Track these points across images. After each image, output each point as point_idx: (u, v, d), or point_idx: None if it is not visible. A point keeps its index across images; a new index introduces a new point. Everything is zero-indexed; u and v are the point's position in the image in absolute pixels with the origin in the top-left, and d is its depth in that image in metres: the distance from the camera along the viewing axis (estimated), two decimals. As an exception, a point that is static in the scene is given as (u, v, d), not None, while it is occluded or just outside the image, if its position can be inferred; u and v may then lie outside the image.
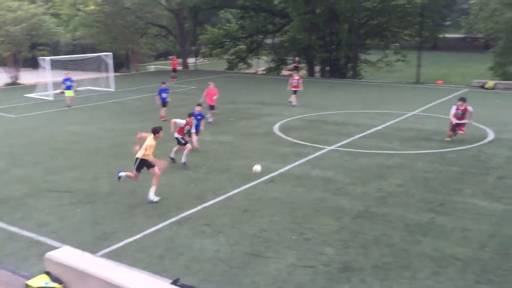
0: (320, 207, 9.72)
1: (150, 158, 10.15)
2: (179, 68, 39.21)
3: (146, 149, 10.04)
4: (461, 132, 14.90)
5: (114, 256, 7.69)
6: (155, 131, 10.25)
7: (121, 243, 8.24)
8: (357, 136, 15.94)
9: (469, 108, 14.84)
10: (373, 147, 14.35)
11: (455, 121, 14.80)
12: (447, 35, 48.20)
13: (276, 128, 17.35)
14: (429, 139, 15.40)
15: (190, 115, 13.19)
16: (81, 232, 8.76)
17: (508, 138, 15.20)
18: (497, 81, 30.03)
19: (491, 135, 15.66)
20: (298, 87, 21.77)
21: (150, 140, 10.10)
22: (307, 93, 23.66)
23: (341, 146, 14.61)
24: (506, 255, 7.60)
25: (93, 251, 7.68)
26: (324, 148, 14.32)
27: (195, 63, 44.39)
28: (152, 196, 10.10)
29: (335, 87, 29.27)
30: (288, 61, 40.64)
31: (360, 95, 26.23)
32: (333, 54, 35.22)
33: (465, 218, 9.06)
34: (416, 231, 8.54)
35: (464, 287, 6.70)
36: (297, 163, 12.86)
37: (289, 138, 15.69)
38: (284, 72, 40.31)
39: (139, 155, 10.16)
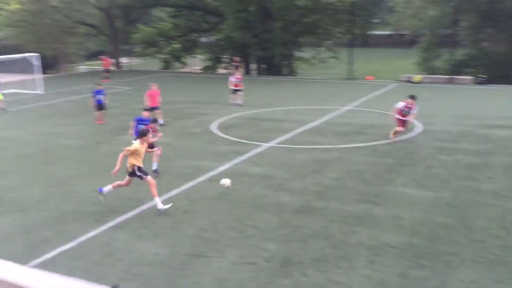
0: (260, 204, 9.79)
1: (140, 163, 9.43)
2: (112, 68, 38.09)
3: (135, 155, 9.31)
4: (401, 129, 14.80)
5: (47, 266, 7.34)
6: (143, 133, 9.61)
7: (55, 252, 7.88)
8: (295, 132, 16.20)
9: (416, 107, 14.70)
10: (310, 143, 14.64)
11: (399, 117, 14.59)
12: (376, 32, 50.14)
13: (214, 127, 17.28)
14: (363, 133, 15.92)
15: (154, 121, 11.92)
16: (10, 243, 8.29)
17: (435, 130, 16.01)
18: (424, 76, 31.59)
19: (419, 127, 16.42)
20: (239, 86, 21.75)
21: (136, 144, 9.44)
22: (244, 91, 23.72)
23: (279, 143, 14.79)
24: (435, 240, 8.00)
25: (24, 262, 7.29)
26: (263, 145, 14.43)
27: (129, 63, 43.31)
28: (160, 205, 9.39)
29: (271, 85, 29.59)
30: (224, 59, 40.59)
31: (296, 91, 26.67)
32: (268, 52, 35.59)
33: (398, 207, 9.44)
34: (352, 222, 8.80)
35: (399, 273, 6.98)
36: (237, 161, 12.87)
37: (227, 137, 15.68)
38: (221, 71, 40.24)
39: (133, 163, 9.31)
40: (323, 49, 38.49)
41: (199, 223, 8.89)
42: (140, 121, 12.63)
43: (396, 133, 14.75)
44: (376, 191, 10.41)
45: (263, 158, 13.25)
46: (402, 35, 51.26)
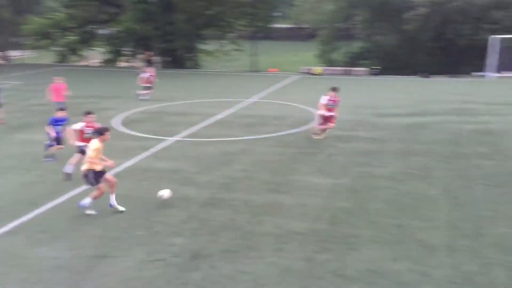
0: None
1: (99, 166, 8.73)
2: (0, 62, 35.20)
3: (92, 156, 8.55)
4: (332, 125, 14.00)
5: None
6: (101, 131, 8.84)
7: None
8: (200, 125, 16.13)
9: (339, 100, 14.11)
10: (216, 135, 14.66)
11: (325, 113, 13.81)
12: (278, 26, 51.37)
13: (117, 122, 16.67)
14: (268, 124, 16.26)
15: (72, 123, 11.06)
16: None
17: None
18: (323, 68, 32.96)
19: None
20: (150, 83, 21.06)
21: (95, 143, 8.67)
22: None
23: (185, 136, 14.64)
24: (337, 224, 8.41)
25: None
26: (168, 140, 14.19)
27: (21, 56, 40.27)
28: (114, 203, 8.89)
29: (175, 78, 29.15)
30: (125, 52, 39.20)
31: (200, 84, 26.54)
32: (171, 45, 34.99)
33: (302, 195, 9.78)
34: (260, 212, 8.96)
35: (304, 257, 7.24)
36: (142, 156, 12.54)
37: (131, 132, 15.20)
38: (122, 64, 38.86)
39: (86, 167, 8.65)
40: (226, 41, 38.68)
41: (102, 223, 8.53)
42: (55, 122, 11.84)
43: (322, 131, 14.01)
44: (281, 180, 10.69)
45: (169, 152, 13.03)
46: (301, 28, 53.00)
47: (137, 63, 35.92)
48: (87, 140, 9.76)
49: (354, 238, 7.85)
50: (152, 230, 8.21)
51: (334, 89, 14.00)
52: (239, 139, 14.24)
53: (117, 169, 11.35)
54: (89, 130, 10.43)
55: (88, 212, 8.85)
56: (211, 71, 33.66)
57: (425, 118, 16.91)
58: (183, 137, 14.55)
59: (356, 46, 37.64)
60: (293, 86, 26.20)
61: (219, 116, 17.52)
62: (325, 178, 10.81)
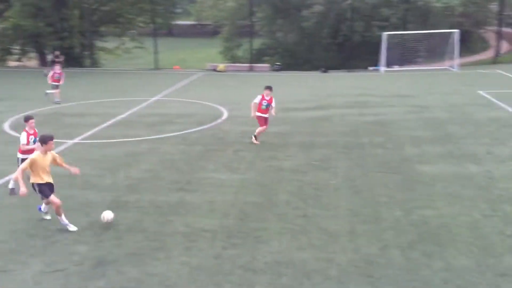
0: (67, 205, 9.02)
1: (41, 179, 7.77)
2: None
3: (23, 167, 7.64)
4: (264, 128, 13.12)
5: None
6: (44, 140, 7.81)
7: None
8: (101, 126, 15.47)
9: (273, 99, 13.12)
10: (119, 136, 14.14)
11: (258, 114, 12.94)
12: (180, 22, 50.72)
13: (6, 126, 15.46)
14: (172, 122, 15.99)
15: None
16: None
17: (240, 115, 16.90)
18: (227, 64, 33.15)
19: (225, 114, 17.19)
20: (59, 82, 19.64)
21: (36, 154, 7.71)
22: (39, 84, 21.69)
23: (85, 139, 13.96)
24: (245, 219, 8.50)
25: None
26: (67, 143, 13.43)
27: None
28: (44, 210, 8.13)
29: (72, 77, 27.55)
30: (13, 50, 36.33)
31: (101, 84, 25.47)
32: (66, 42, 33.07)
33: (210, 192, 9.75)
34: (167, 212, 8.79)
35: (214, 255, 7.22)
36: (37, 161, 11.71)
37: (24, 136, 14.14)
38: (12, 63, 36.05)
39: (32, 180, 7.76)
40: (127, 39, 37.44)
41: (-6, 236, 7.86)
42: None
43: (259, 134, 13.16)
44: (189, 178, 10.58)
45: (68, 156, 12.26)
46: (204, 25, 52.85)
47: (29, 62, 33.59)
48: (31, 151, 8.83)
49: (262, 231, 7.98)
50: (51, 240, 7.72)
51: (268, 88, 12.93)
52: (143, 139, 13.86)
53: (9, 177, 10.52)
54: (33, 138, 9.53)
55: (71, 228, 8.03)
56: (112, 70, 32.41)
57: (326, 112, 17.64)
58: (82, 139, 13.86)
59: (258, 42, 38.24)
60: (198, 84, 26.04)
61: (122, 116, 16.92)
62: (233, 174, 10.87)
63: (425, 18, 33.62)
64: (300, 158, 11.98)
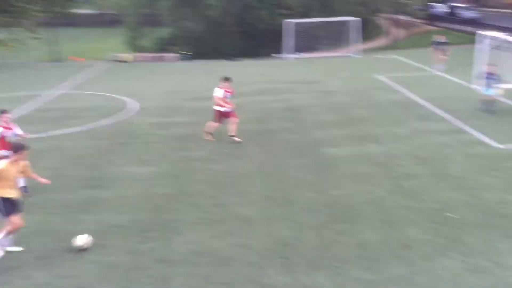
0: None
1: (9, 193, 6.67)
2: None
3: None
4: (235, 119, 12.13)
5: None
6: (17, 148, 6.89)
7: None
8: (-3, 123, 14.31)
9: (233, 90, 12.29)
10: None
11: (225, 109, 12.03)
12: (81, 11, 48.22)
13: None
14: (77, 117, 15.24)
15: None
16: None
17: (148, 107, 16.52)
18: (133, 54, 32.16)
19: (133, 106, 16.68)
20: None
21: (4, 164, 6.63)
22: None
23: (-22, 138, 12.83)
24: (160, 211, 8.36)
25: None
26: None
27: None
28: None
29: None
30: None
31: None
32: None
33: (122, 187, 9.46)
34: (75, 211, 8.41)
35: (129, 250, 7.03)
36: None
37: None
38: None
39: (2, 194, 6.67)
40: (20, 29, 34.80)
41: None
42: None
43: (214, 129, 12.30)
44: (97, 174, 10.17)
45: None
46: (104, 14, 50.72)
47: None
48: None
49: (177, 222, 7.90)
50: None
51: (227, 79, 12.14)
52: (47, 135, 13.07)
53: None
54: (8, 133, 8.80)
55: (11, 249, 6.99)
56: (5, 63, 30.08)
57: (236, 100, 17.70)
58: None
59: (164, 32, 37.51)
60: (102, 75, 25.00)
61: (20, 112, 15.79)
62: (145, 167, 10.62)
63: (328, 7, 34.93)
64: (212, 147, 11.96)
